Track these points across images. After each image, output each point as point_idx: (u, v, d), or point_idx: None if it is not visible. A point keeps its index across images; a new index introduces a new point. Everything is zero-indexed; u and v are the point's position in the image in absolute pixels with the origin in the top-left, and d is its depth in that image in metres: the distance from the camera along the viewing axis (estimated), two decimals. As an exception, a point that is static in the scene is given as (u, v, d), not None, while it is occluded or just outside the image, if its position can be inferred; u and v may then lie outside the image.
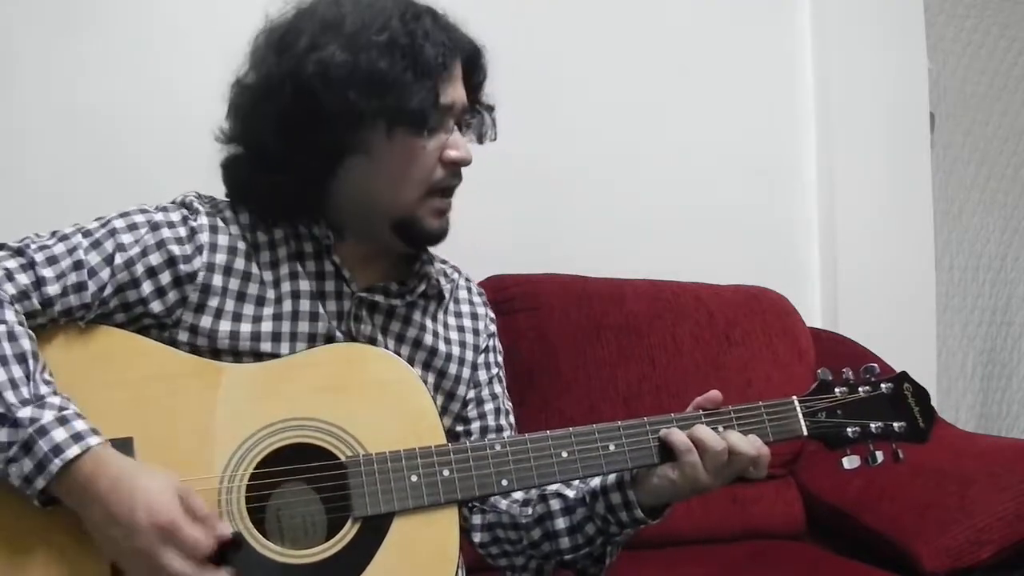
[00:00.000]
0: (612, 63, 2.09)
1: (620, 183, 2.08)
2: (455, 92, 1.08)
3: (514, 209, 1.97)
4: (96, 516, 0.89)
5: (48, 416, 0.89)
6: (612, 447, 1.07)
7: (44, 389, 0.92)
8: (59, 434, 0.89)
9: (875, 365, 1.18)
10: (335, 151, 1.06)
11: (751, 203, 2.20)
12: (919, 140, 2.32)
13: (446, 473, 1.02)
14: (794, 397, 1.14)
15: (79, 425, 0.90)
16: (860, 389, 1.16)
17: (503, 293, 1.76)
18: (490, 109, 1.19)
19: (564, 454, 1.06)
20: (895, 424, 1.15)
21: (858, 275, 2.22)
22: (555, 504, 1.15)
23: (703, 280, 1.90)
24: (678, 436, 1.06)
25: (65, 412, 0.91)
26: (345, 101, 1.01)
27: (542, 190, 2.00)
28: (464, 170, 1.15)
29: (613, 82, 2.09)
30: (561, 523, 1.14)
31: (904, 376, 1.19)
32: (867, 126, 2.25)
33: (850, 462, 1.13)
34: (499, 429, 1.22)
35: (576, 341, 1.73)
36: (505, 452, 1.05)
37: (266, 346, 1.06)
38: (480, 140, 1.18)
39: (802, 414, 1.13)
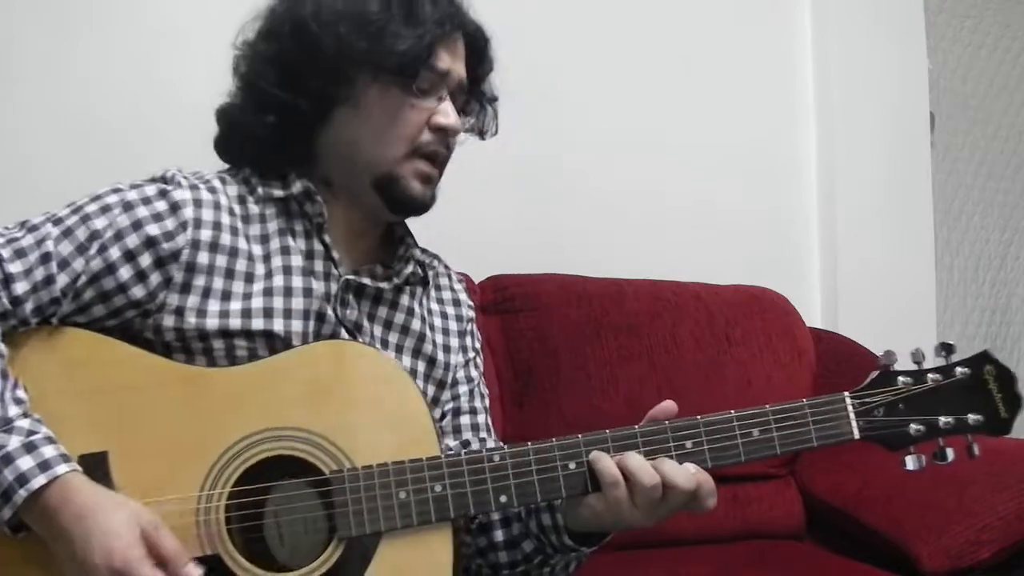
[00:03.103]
0: (612, 63, 2.09)
1: (620, 183, 2.08)
2: (453, 62, 1.07)
3: (514, 209, 1.97)
4: (59, 550, 0.87)
5: (14, 443, 0.86)
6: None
7: (13, 411, 0.88)
8: (25, 462, 0.85)
9: (952, 344, 1.02)
10: (325, 98, 1.05)
11: (751, 203, 2.20)
12: (919, 140, 2.32)
13: (438, 489, 0.94)
14: (845, 393, 1.00)
15: (47, 452, 0.87)
16: (929, 377, 1.01)
17: (503, 293, 1.76)
18: (492, 101, 1.17)
19: (572, 465, 0.97)
20: (970, 417, 1.00)
21: (858, 275, 2.22)
22: (495, 513, 1.08)
23: (703, 280, 1.90)
24: (605, 465, 0.95)
25: (33, 437, 0.87)
26: (335, 40, 1.01)
27: (542, 190, 2.00)
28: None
29: (613, 82, 2.09)
30: (499, 535, 1.09)
31: (985, 356, 1.03)
32: (867, 126, 2.25)
33: (914, 462, 1.00)
34: (473, 411, 1.18)
35: (576, 341, 1.72)
36: (505, 464, 0.96)
37: (258, 323, 1.01)
38: (481, 135, 1.17)
39: (854, 413, 0.99)
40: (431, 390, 1.14)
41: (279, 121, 1.05)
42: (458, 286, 1.25)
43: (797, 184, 2.26)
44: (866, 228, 2.23)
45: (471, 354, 1.22)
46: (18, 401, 0.90)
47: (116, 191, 1.02)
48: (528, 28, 1.95)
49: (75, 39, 1.73)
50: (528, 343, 1.72)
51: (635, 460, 0.95)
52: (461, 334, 1.21)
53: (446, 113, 1.06)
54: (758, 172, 2.22)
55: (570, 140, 2.03)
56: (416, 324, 1.14)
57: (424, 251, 1.23)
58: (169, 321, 0.99)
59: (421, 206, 1.09)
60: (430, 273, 1.20)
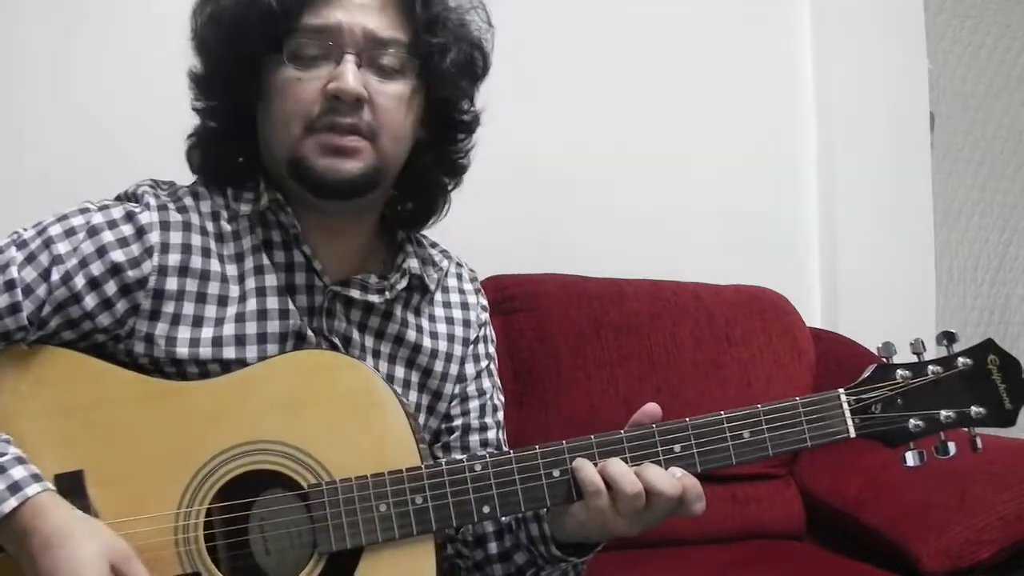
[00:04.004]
0: (612, 63, 2.09)
1: (620, 183, 2.08)
2: (342, 13, 0.96)
3: (514, 209, 1.97)
4: (31, 574, 0.85)
5: None
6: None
7: None
8: None
9: (954, 332, 0.98)
10: (240, 101, 1.01)
11: (751, 203, 2.20)
12: (919, 140, 2.32)
13: (419, 501, 0.92)
14: (840, 390, 0.96)
15: (17, 473, 0.85)
16: (929, 369, 0.97)
17: (503, 293, 1.76)
18: (442, 49, 1.00)
19: (556, 473, 0.93)
20: (972, 409, 0.96)
21: (858, 275, 2.22)
22: (489, 525, 1.07)
23: (703, 280, 1.90)
24: (587, 473, 0.92)
25: (2, 459, 0.85)
26: (213, 40, 1.00)
27: (542, 190, 2.00)
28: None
29: (613, 82, 2.09)
30: (493, 548, 1.07)
31: (989, 345, 0.99)
32: (867, 126, 2.25)
33: (914, 458, 0.96)
34: (483, 428, 1.14)
35: (576, 341, 1.72)
36: (487, 474, 0.93)
37: (230, 352, 0.97)
38: (438, 87, 1.03)
39: (849, 411, 0.95)
40: (425, 400, 1.10)
41: (227, 140, 1.03)
42: (469, 286, 1.19)
43: (797, 184, 2.26)
44: (866, 228, 2.23)
45: (483, 363, 1.16)
46: None
47: (83, 211, 0.98)
48: (527, 28, 1.95)
49: (75, 39, 1.73)
50: (528, 343, 1.72)
51: (617, 467, 0.91)
52: (469, 341, 1.15)
53: (338, 76, 0.95)
54: (758, 172, 2.21)
55: (570, 140, 2.03)
56: (411, 335, 1.08)
57: (435, 247, 1.18)
58: (140, 348, 0.96)
59: (335, 183, 0.97)
60: (436, 276, 1.13)
